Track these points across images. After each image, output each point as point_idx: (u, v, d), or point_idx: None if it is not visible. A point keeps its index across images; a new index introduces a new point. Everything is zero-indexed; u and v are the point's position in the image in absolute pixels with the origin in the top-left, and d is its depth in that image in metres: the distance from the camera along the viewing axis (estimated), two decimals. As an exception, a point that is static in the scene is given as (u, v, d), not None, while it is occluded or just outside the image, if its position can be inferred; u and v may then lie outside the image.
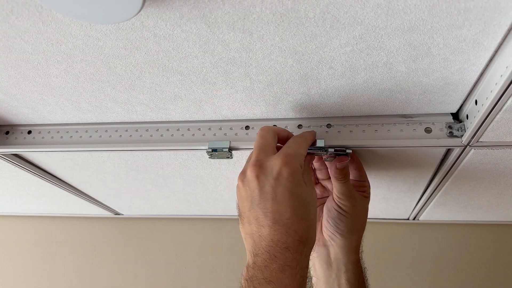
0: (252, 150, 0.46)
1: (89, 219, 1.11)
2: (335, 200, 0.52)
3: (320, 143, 0.50)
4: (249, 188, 0.42)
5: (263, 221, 0.40)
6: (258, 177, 0.42)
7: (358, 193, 0.54)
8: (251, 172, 0.42)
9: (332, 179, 0.52)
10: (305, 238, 0.40)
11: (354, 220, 0.52)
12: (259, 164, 0.42)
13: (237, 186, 0.45)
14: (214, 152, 0.54)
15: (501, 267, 0.89)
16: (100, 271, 1.06)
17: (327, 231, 0.53)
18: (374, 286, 0.90)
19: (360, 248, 0.55)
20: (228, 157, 0.55)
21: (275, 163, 0.42)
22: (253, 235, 0.41)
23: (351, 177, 0.54)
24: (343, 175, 0.50)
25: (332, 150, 0.50)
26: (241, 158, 0.61)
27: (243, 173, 0.44)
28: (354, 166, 0.55)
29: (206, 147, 0.54)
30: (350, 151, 0.50)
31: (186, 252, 1.03)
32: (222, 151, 0.53)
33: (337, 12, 0.33)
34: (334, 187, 0.52)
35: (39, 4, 0.34)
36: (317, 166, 0.55)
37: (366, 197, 0.55)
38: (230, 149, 0.53)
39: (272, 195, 0.41)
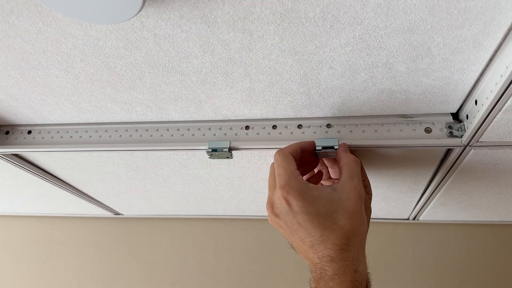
0: (250, 149, 0.47)
1: (89, 219, 1.11)
2: None
3: (323, 142, 0.50)
4: (279, 226, 0.45)
5: (303, 247, 0.43)
6: (277, 215, 0.44)
7: None
8: (269, 213, 0.45)
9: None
10: (344, 245, 0.41)
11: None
12: (270, 204, 0.45)
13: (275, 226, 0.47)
14: (214, 152, 0.54)
15: (501, 267, 0.89)
16: (100, 271, 1.06)
17: None
18: (374, 286, 0.90)
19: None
20: (228, 157, 0.55)
21: (279, 197, 0.44)
22: (305, 256, 0.44)
23: None
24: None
25: (320, 147, 0.50)
26: (241, 158, 0.61)
27: (268, 216, 0.47)
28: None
29: (206, 147, 0.54)
30: (337, 145, 0.50)
31: (186, 252, 1.04)
32: (222, 151, 0.53)
33: (337, 12, 0.33)
34: None
35: (39, 4, 0.34)
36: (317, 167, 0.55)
37: (368, 193, 0.55)
38: (230, 149, 0.53)
39: (297, 225, 0.42)
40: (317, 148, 0.50)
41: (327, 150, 0.50)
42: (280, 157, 0.46)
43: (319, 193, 0.43)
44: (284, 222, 0.43)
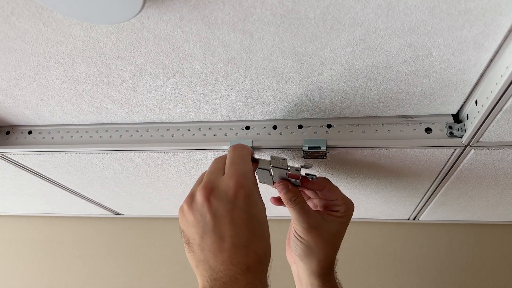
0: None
1: (90, 219, 1.11)
2: (292, 223, 0.51)
3: (320, 142, 0.50)
4: (200, 213, 0.40)
5: (220, 246, 0.38)
6: (210, 200, 0.39)
7: (328, 215, 0.51)
8: (201, 195, 0.40)
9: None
10: (264, 257, 0.39)
11: (310, 246, 0.49)
12: (210, 187, 0.40)
13: (182, 211, 0.41)
14: None
15: (501, 267, 0.90)
16: (100, 271, 1.06)
17: (291, 252, 0.53)
18: (374, 286, 0.90)
19: (335, 269, 0.53)
20: None
21: (228, 185, 0.40)
22: (207, 261, 0.38)
23: (322, 196, 0.53)
24: (287, 199, 0.49)
25: (306, 148, 0.50)
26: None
27: (190, 197, 0.41)
28: (319, 186, 0.52)
29: (228, 147, 0.53)
30: (302, 173, 0.50)
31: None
32: None
33: (338, 13, 0.33)
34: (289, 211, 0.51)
35: (40, 5, 0.34)
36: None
37: (339, 217, 0.51)
38: (254, 148, 0.53)
39: (229, 219, 0.38)
40: (303, 148, 0.50)
41: (313, 151, 0.50)
42: (246, 151, 0.44)
43: (260, 200, 0.42)
44: (213, 211, 0.39)
